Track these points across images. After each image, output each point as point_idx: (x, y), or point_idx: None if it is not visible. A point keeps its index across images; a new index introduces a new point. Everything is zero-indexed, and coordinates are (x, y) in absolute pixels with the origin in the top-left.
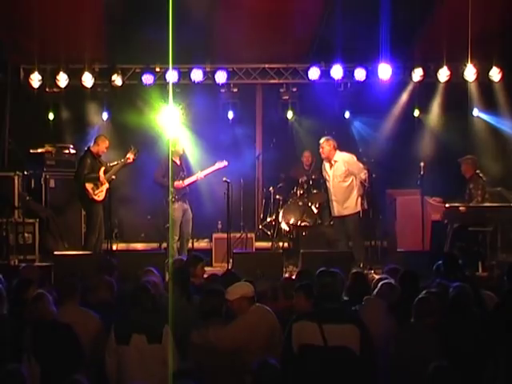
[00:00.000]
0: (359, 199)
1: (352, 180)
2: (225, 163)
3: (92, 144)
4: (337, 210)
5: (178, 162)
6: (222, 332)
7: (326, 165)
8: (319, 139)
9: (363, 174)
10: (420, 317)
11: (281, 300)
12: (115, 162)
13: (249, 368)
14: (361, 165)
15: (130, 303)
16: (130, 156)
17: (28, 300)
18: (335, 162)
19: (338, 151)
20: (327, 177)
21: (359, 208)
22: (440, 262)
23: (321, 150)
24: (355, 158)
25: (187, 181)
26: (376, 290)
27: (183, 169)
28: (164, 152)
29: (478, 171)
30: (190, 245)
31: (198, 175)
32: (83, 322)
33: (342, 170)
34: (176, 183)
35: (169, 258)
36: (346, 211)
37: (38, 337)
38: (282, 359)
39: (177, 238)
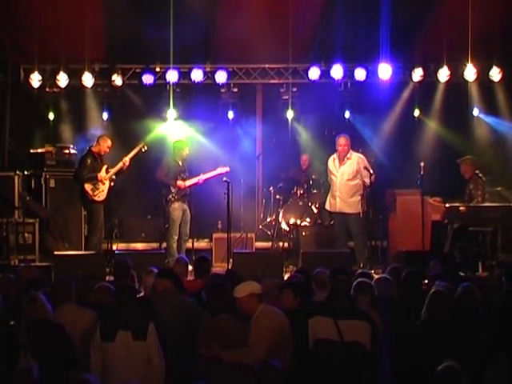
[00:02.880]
0: (362, 200)
1: (358, 180)
2: (227, 169)
3: (94, 144)
4: (339, 206)
5: (180, 164)
6: (247, 350)
7: (335, 161)
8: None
9: (367, 179)
10: None
11: None
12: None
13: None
14: (371, 170)
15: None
16: (138, 148)
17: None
18: (348, 159)
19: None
20: (335, 172)
21: (360, 208)
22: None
23: (340, 146)
24: (366, 161)
25: (188, 182)
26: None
27: (185, 170)
28: (167, 152)
29: (477, 171)
30: (189, 244)
31: (200, 178)
32: (81, 320)
33: (353, 169)
34: (178, 182)
35: (169, 258)
36: (349, 209)
37: (32, 335)
38: (297, 353)
39: (176, 237)
